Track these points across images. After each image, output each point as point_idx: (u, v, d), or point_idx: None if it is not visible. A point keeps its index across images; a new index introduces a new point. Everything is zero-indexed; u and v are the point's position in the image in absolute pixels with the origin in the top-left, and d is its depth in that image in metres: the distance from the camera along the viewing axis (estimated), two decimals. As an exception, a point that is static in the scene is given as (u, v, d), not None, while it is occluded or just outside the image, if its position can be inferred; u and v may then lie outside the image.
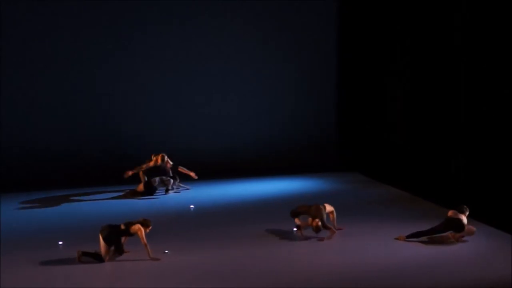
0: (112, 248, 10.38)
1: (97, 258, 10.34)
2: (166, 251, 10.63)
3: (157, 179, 14.72)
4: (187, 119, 17.15)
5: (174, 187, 14.95)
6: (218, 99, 17.33)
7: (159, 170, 14.93)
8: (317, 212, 11.27)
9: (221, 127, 17.39)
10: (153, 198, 14.53)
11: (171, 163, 15.05)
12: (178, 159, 15.34)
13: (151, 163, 14.95)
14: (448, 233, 11.16)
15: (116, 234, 10.38)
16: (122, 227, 10.42)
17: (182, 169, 15.04)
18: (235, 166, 16.86)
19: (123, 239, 10.49)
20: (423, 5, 15.69)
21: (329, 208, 11.58)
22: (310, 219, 11.34)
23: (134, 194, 14.64)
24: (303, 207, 11.55)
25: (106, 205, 14.09)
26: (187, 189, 15.03)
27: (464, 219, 11.03)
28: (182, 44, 17.05)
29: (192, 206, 13.55)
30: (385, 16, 16.93)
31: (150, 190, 14.58)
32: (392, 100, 16.99)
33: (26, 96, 16.27)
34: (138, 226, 10.35)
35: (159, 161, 14.90)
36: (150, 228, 10.52)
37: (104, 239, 10.32)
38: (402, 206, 13.53)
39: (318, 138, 17.72)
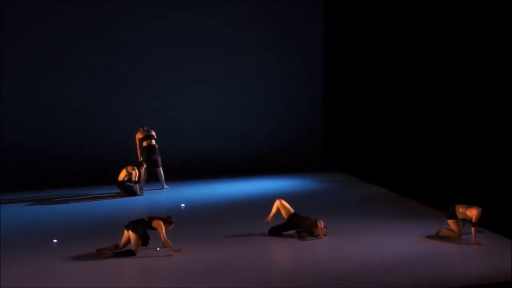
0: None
1: (128, 254, 10.60)
2: (158, 249, 10.82)
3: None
4: (176, 121, 17.43)
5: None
6: (206, 101, 17.58)
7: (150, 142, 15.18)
8: (313, 225, 11.51)
9: (209, 129, 17.65)
10: (145, 196, 14.80)
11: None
12: (170, 159, 15.73)
13: (139, 135, 15.24)
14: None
15: (143, 227, 10.65)
16: (146, 219, 10.70)
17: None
18: (224, 166, 17.08)
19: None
20: (411, 6, 15.93)
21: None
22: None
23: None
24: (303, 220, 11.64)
25: (100, 205, 14.31)
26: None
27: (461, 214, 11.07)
28: (175, 46, 17.34)
29: (183, 205, 13.72)
30: (372, 18, 17.15)
31: (130, 192, 14.77)
32: (378, 103, 17.26)
33: (26, 97, 16.57)
34: (159, 222, 10.61)
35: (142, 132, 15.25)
36: (173, 225, 10.80)
37: (136, 233, 10.57)
38: (389, 205, 13.68)
39: (306, 138, 17.95)
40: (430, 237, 11.37)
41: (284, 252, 11.00)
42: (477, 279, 9.53)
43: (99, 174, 16.22)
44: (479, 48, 14.11)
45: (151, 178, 15.37)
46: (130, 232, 10.62)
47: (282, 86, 18.03)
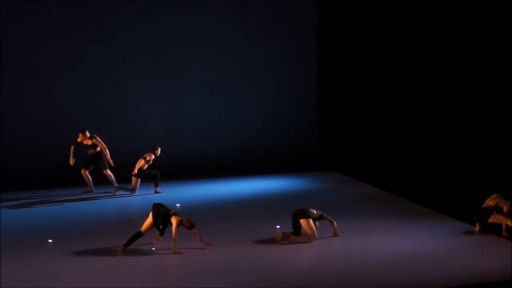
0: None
1: (136, 236, 10.80)
2: (153, 249, 10.91)
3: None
4: (172, 122, 17.40)
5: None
6: (201, 102, 17.57)
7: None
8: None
9: (204, 130, 17.62)
10: (140, 196, 14.79)
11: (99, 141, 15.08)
12: (166, 159, 15.64)
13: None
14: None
15: (163, 217, 10.79)
16: (171, 212, 10.84)
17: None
18: (219, 166, 17.10)
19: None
20: (400, 16, 16.25)
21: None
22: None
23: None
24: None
25: (97, 204, 14.35)
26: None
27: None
28: (173, 47, 17.33)
29: (178, 205, 13.60)
30: (364, 25, 17.36)
31: (150, 176, 14.93)
32: (370, 103, 17.39)
33: (26, 97, 16.50)
34: (176, 218, 10.74)
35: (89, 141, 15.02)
36: (192, 230, 10.85)
37: (152, 216, 10.80)
38: (381, 204, 13.84)
39: (301, 138, 17.96)
40: (427, 236, 11.50)
41: (282, 252, 10.99)
42: (477, 279, 9.62)
43: (97, 174, 15.93)
44: (451, 56, 14.39)
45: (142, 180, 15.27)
46: (151, 213, 10.82)
47: (276, 87, 18.06)
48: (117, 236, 11.65)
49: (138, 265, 10.40)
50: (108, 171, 15.09)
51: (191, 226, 10.88)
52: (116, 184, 15.05)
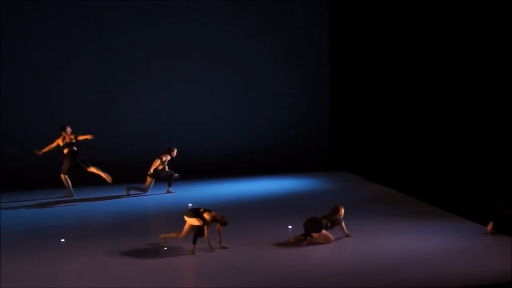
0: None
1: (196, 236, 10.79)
2: (165, 248, 10.92)
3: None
4: (179, 122, 17.42)
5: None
6: (211, 101, 17.62)
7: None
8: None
9: (214, 128, 17.66)
10: (152, 196, 14.80)
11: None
12: (175, 159, 15.69)
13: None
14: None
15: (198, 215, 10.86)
16: (201, 210, 10.91)
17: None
18: (229, 166, 17.10)
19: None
20: (400, 17, 16.31)
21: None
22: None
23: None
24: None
25: (107, 204, 14.36)
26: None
27: None
28: (178, 48, 17.36)
29: (190, 204, 13.45)
30: (364, 25, 17.40)
31: (167, 176, 14.98)
32: (379, 102, 17.42)
33: (26, 97, 16.49)
34: (208, 215, 10.78)
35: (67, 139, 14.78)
36: (219, 229, 10.94)
37: (188, 216, 10.89)
38: (390, 204, 13.85)
39: (309, 139, 18.01)
40: (436, 236, 11.52)
41: (289, 252, 10.97)
42: (477, 280, 9.61)
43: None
44: (452, 60, 14.52)
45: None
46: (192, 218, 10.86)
47: (287, 89, 18.08)
48: (121, 236, 11.74)
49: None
50: (64, 176, 14.81)
51: (224, 223, 10.92)
52: (71, 189, 14.78)
